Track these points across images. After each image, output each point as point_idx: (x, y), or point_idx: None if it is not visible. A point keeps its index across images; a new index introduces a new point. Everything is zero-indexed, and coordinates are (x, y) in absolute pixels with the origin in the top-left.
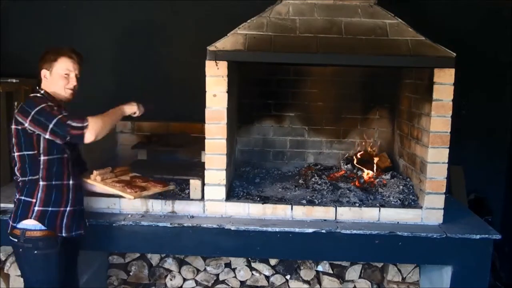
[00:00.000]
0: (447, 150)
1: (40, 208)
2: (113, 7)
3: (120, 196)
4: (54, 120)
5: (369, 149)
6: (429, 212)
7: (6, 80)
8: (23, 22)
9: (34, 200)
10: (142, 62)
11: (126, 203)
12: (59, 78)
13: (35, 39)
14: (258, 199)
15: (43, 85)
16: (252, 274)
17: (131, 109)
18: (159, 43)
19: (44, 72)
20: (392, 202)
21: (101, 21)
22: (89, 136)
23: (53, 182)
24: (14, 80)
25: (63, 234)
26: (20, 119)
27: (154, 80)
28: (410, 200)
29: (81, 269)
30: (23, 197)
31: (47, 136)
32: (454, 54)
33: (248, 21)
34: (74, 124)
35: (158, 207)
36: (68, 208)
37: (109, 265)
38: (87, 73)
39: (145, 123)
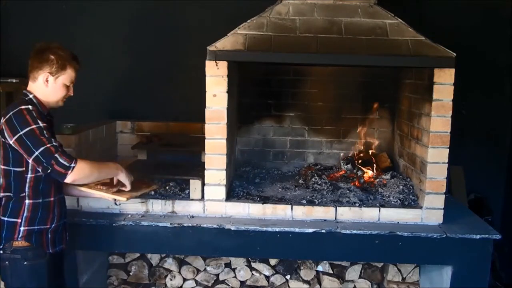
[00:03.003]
0: (447, 150)
1: (26, 228)
2: (113, 7)
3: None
4: (42, 148)
5: (371, 147)
6: (429, 212)
7: (6, 80)
8: (23, 22)
9: (19, 220)
10: (142, 62)
11: (126, 203)
12: (62, 88)
13: (35, 39)
14: (258, 199)
15: (34, 88)
16: (252, 274)
17: (125, 178)
18: (159, 43)
19: (46, 76)
20: (392, 202)
21: (100, 22)
22: (69, 179)
23: (40, 200)
24: (14, 80)
25: (50, 251)
26: (5, 133)
27: (154, 80)
28: (410, 200)
29: (81, 269)
30: (6, 218)
31: (29, 161)
32: (454, 54)
33: (248, 21)
34: (60, 160)
35: (158, 207)
36: (53, 225)
37: (109, 265)
38: (87, 73)
39: (145, 123)
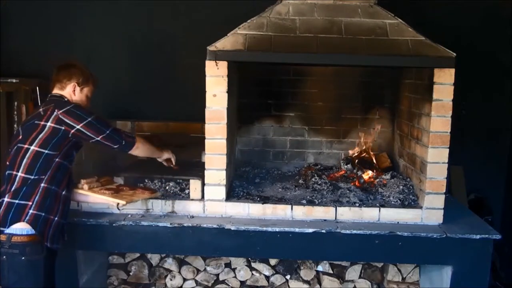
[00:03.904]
0: (447, 150)
1: (35, 212)
2: (112, 7)
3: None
4: (111, 128)
5: (368, 147)
6: (429, 212)
7: (6, 80)
8: (23, 22)
9: (30, 203)
10: (142, 62)
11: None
12: (86, 99)
13: (35, 40)
14: (258, 199)
15: (65, 94)
16: (252, 274)
17: (167, 156)
18: (159, 43)
19: (74, 86)
20: (392, 202)
21: (101, 22)
22: (136, 146)
23: (52, 187)
24: (14, 80)
25: (48, 244)
26: (68, 121)
27: (154, 80)
28: (410, 200)
29: (81, 269)
30: (17, 201)
31: (98, 138)
32: (454, 54)
33: (248, 21)
34: (127, 134)
35: (158, 207)
36: (56, 218)
37: (109, 265)
38: None
39: (145, 123)
